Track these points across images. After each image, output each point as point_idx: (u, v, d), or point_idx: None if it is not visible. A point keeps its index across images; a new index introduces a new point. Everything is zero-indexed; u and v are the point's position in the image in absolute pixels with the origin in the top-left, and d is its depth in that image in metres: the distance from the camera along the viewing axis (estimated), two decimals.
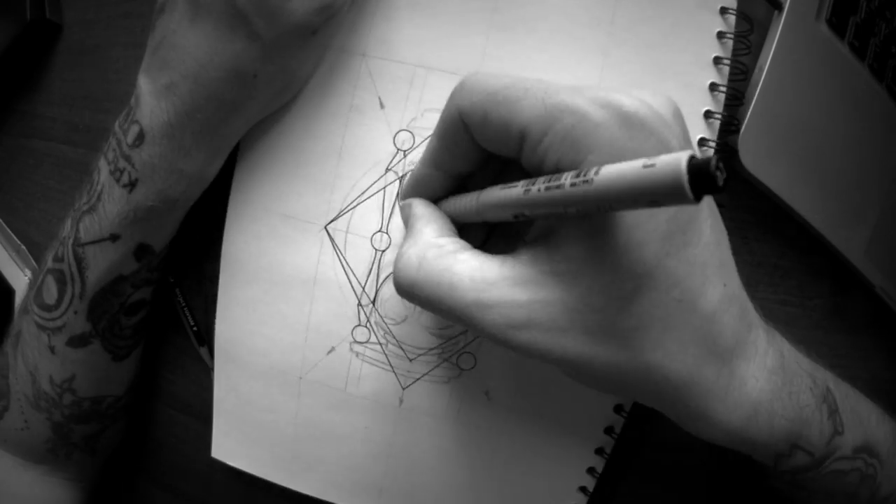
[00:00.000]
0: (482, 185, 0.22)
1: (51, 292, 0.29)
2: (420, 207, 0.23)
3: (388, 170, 0.29)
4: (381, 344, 0.30)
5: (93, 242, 0.27)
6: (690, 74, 0.28)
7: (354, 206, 0.30)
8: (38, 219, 0.37)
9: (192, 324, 0.33)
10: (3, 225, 0.38)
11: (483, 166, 0.23)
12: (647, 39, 0.28)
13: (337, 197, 0.30)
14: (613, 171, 0.15)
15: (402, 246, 0.22)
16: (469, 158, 0.22)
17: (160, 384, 0.36)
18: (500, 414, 0.30)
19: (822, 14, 0.30)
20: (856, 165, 0.33)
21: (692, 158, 0.13)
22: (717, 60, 0.28)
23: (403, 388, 0.31)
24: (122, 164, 0.26)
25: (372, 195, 0.29)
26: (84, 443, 0.32)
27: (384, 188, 0.29)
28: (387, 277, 0.30)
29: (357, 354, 0.31)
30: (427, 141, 0.25)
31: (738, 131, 0.28)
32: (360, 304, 0.30)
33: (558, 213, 0.17)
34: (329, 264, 0.30)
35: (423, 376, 0.30)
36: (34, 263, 0.37)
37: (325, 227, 0.30)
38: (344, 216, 0.30)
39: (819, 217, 0.31)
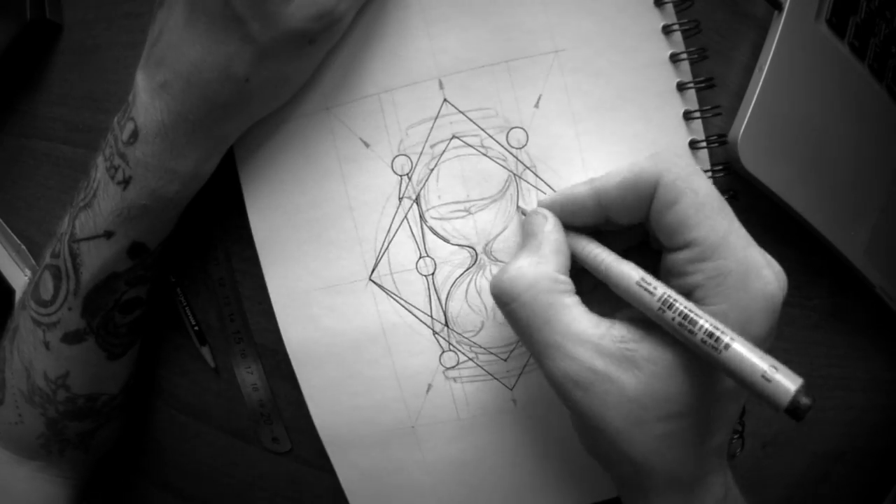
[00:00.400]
0: (616, 247, 0.24)
1: (47, 288, 0.29)
2: (555, 232, 0.24)
3: (400, 199, 0.29)
4: (471, 359, 0.30)
5: (87, 239, 0.27)
6: (652, 77, 0.28)
7: (387, 248, 0.30)
8: (38, 219, 0.37)
9: (194, 323, 0.33)
10: (3, 225, 0.38)
11: (628, 234, 0.25)
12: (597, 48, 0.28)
13: (367, 247, 0.30)
14: (737, 358, 0.19)
15: (519, 255, 0.24)
16: (632, 216, 0.23)
17: (160, 384, 0.36)
18: None
19: (822, 14, 0.30)
20: (856, 165, 0.33)
21: (798, 393, 0.18)
22: (673, 57, 0.28)
23: (511, 389, 0.30)
24: (117, 161, 0.26)
25: (398, 229, 0.30)
26: (78, 440, 0.32)
27: (405, 217, 0.29)
28: (448, 294, 0.30)
29: (454, 380, 0.30)
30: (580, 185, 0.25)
31: (720, 114, 0.28)
32: (435, 333, 0.30)
33: (672, 333, 0.21)
34: (390, 311, 0.30)
35: (524, 369, 0.30)
36: (34, 263, 0.37)
37: (371, 280, 0.30)
38: (382, 261, 0.30)
39: (819, 217, 0.31)
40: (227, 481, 0.36)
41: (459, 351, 0.30)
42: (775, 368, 0.18)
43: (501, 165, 0.29)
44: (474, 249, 0.30)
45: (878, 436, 0.39)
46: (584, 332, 0.21)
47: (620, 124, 0.28)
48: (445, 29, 0.28)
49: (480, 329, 0.30)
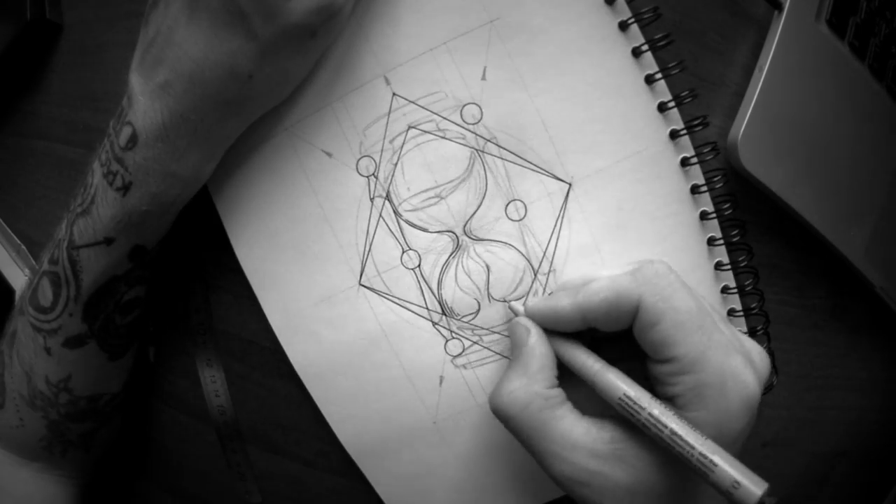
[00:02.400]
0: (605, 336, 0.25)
1: (46, 294, 0.28)
2: (539, 345, 0.26)
3: (372, 199, 0.29)
4: (475, 342, 0.30)
5: (87, 246, 0.27)
6: (594, 24, 0.28)
7: (370, 250, 0.30)
8: (38, 219, 0.37)
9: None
10: (3, 225, 0.38)
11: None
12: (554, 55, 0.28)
13: (351, 253, 0.30)
14: (711, 471, 0.21)
15: (510, 375, 0.25)
16: (616, 328, 0.24)
17: (160, 384, 0.36)
18: None
19: (822, 14, 0.30)
20: (856, 165, 0.33)
21: (763, 497, 0.21)
22: (635, 52, 0.28)
23: None
24: (114, 166, 0.26)
25: (375, 229, 0.30)
26: (79, 440, 0.32)
27: (380, 216, 0.30)
28: (439, 282, 0.30)
29: (465, 367, 0.30)
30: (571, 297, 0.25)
31: (695, 96, 0.28)
32: (435, 324, 0.30)
33: (656, 441, 0.23)
34: (386, 311, 0.30)
35: None
36: (34, 263, 0.37)
37: (361, 284, 0.30)
38: (367, 264, 0.30)
39: (819, 217, 0.31)
40: (226, 481, 0.36)
41: (463, 337, 0.30)
42: (742, 474, 0.21)
43: (462, 144, 0.29)
44: (454, 232, 0.30)
45: (878, 436, 0.39)
46: (577, 440, 0.24)
47: (572, 77, 0.28)
48: (380, 26, 0.28)
49: (478, 310, 0.30)
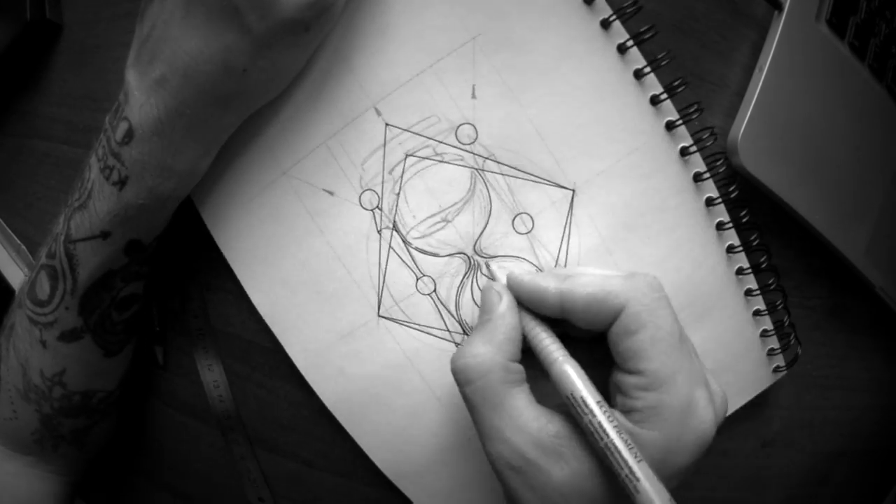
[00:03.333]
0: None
1: (43, 288, 0.29)
2: (508, 314, 0.25)
3: (379, 231, 0.30)
4: None
5: (84, 240, 0.27)
6: (574, 24, 0.28)
7: (384, 281, 0.30)
8: (38, 219, 0.37)
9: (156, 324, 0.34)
10: (3, 225, 0.38)
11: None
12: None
13: (366, 287, 0.30)
14: (644, 494, 0.21)
15: (475, 338, 0.25)
16: (592, 325, 0.24)
17: (159, 383, 0.36)
18: None
19: (822, 14, 0.30)
20: (856, 165, 0.33)
21: None
22: (620, 48, 0.28)
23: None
24: (111, 161, 0.26)
25: (387, 261, 0.30)
26: (72, 436, 0.32)
27: (390, 247, 0.30)
28: (457, 303, 0.30)
29: None
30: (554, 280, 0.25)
31: (686, 84, 0.28)
32: (457, 345, 0.30)
33: (592, 445, 0.23)
34: (408, 338, 0.30)
35: None
36: (33, 261, 0.37)
37: (380, 316, 0.30)
38: (384, 295, 0.30)
39: (819, 217, 0.31)
40: (227, 481, 0.36)
41: None
42: None
43: (461, 165, 0.29)
44: (465, 253, 0.30)
45: (878, 436, 0.39)
46: (525, 423, 0.23)
47: (561, 82, 0.28)
48: (364, 57, 0.28)
49: None
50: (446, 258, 0.30)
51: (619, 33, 0.28)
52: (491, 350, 0.24)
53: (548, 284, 0.25)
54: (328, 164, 0.29)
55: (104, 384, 0.32)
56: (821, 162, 0.31)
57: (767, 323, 0.31)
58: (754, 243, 0.30)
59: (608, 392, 0.25)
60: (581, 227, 0.29)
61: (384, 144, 0.29)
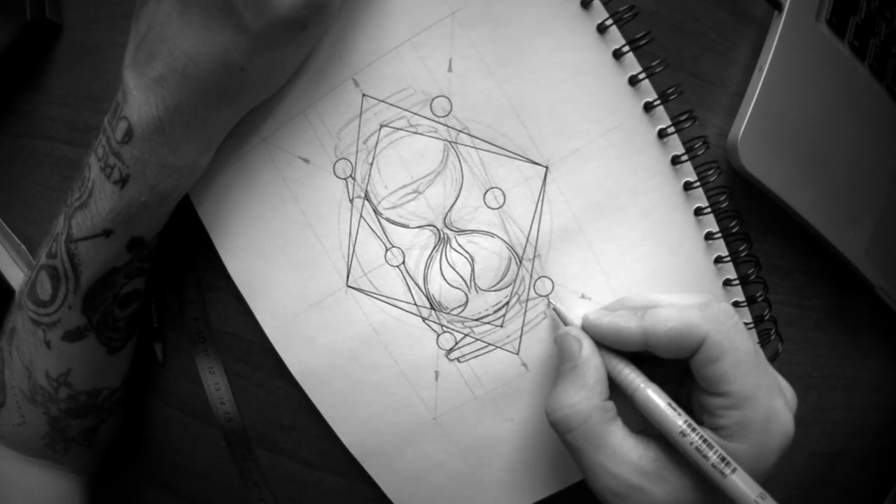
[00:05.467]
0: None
1: (45, 288, 0.29)
2: (593, 358, 0.26)
3: (351, 200, 0.30)
4: (467, 335, 0.30)
5: (86, 238, 0.27)
6: (585, 54, 0.28)
7: (354, 251, 0.30)
8: (38, 219, 0.37)
9: (155, 320, 0.34)
10: (3, 225, 0.38)
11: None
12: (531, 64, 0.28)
13: (336, 256, 0.30)
14: (735, 486, 0.23)
15: (567, 388, 0.26)
16: (675, 357, 0.25)
17: (160, 383, 0.36)
18: None
19: (822, 14, 0.30)
20: (856, 165, 0.33)
21: None
22: (600, 28, 0.28)
23: (517, 353, 0.30)
24: (112, 160, 0.26)
25: (357, 230, 0.30)
26: (81, 437, 0.33)
27: (361, 216, 0.30)
28: (425, 277, 0.30)
29: (459, 360, 0.30)
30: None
31: (667, 65, 0.27)
32: (425, 319, 0.30)
33: (686, 456, 0.25)
34: (375, 310, 0.30)
35: (523, 330, 0.30)
36: (33, 260, 0.37)
37: (348, 286, 0.30)
38: (353, 265, 0.30)
39: (819, 217, 0.31)
40: (227, 481, 0.36)
41: (454, 330, 0.30)
42: (764, 497, 0.23)
43: (434, 137, 0.29)
44: (434, 226, 0.30)
45: (878, 436, 0.39)
46: (626, 454, 0.25)
47: (539, 59, 0.28)
48: (344, 29, 0.28)
49: (466, 302, 0.30)
50: (416, 230, 0.30)
51: (600, 13, 0.28)
52: (585, 396, 0.26)
53: (628, 324, 0.26)
54: (305, 132, 0.29)
55: (109, 382, 0.32)
56: (821, 162, 0.31)
57: (746, 315, 0.31)
58: (734, 230, 0.29)
59: (690, 407, 0.26)
60: (553, 205, 0.29)
61: (360, 114, 0.29)
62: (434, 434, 0.31)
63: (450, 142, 0.29)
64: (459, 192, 0.29)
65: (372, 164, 0.29)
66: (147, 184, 0.26)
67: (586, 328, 0.27)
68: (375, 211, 0.30)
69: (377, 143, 0.29)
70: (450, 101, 0.29)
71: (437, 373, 0.30)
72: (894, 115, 0.33)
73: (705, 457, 0.24)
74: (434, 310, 0.30)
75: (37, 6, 0.33)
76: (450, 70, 0.28)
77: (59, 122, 0.35)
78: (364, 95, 0.29)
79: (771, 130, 0.29)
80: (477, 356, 0.30)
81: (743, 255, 0.30)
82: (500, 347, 0.30)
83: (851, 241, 0.33)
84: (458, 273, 0.30)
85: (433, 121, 0.29)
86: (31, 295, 0.29)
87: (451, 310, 0.30)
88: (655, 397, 0.25)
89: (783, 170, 0.30)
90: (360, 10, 0.28)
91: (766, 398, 0.24)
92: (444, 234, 0.30)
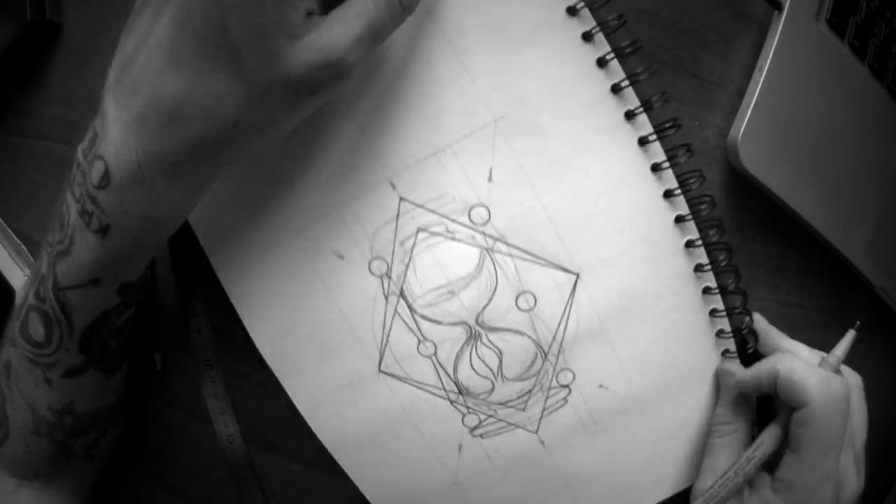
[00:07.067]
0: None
1: (37, 330, 0.27)
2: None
3: (386, 297, 0.30)
4: (491, 416, 0.31)
5: (73, 287, 0.26)
6: (598, 114, 0.28)
7: (387, 342, 0.30)
8: (38, 219, 0.37)
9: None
10: (3, 225, 0.38)
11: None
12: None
13: (369, 344, 0.30)
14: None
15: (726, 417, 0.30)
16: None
17: (160, 384, 0.36)
18: (624, 401, 0.31)
19: (822, 14, 0.30)
20: (856, 165, 0.33)
21: None
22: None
23: (536, 432, 0.31)
24: (89, 206, 0.24)
25: (391, 324, 0.30)
26: (83, 451, 0.32)
27: (395, 312, 0.30)
28: (455, 366, 0.31)
29: (482, 436, 0.32)
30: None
31: (678, 127, 0.27)
32: (452, 402, 0.31)
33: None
34: (406, 393, 0.31)
35: (543, 413, 0.31)
36: (33, 261, 0.37)
37: (381, 371, 0.31)
38: (386, 354, 0.30)
39: (819, 217, 0.31)
40: (228, 481, 0.35)
41: (479, 412, 0.31)
42: None
43: (471, 244, 0.29)
44: (467, 324, 0.30)
45: (878, 436, 0.39)
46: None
47: (578, 172, 0.28)
48: (384, 130, 0.28)
49: (493, 389, 0.31)
50: (449, 326, 0.30)
51: (644, 126, 0.28)
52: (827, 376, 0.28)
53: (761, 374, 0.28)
54: (340, 229, 0.29)
55: (109, 399, 0.32)
56: (821, 162, 0.31)
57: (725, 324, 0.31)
58: (744, 331, 0.31)
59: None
60: (581, 309, 0.30)
61: (397, 218, 0.29)
62: (453, 495, 0.33)
63: (486, 249, 0.29)
64: (493, 296, 0.30)
65: (408, 265, 0.29)
66: (130, 236, 0.24)
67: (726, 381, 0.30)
68: (410, 308, 0.30)
69: (414, 246, 0.29)
70: (488, 210, 0.29)
71: (460, 446, 0.32)
72: (894, 115, 0.33)
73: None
74: (461, 395, 0.31)
75: (37, 6, 0.33)
76: (490, 179, 0.28)
77: (59, 122, 0.35)
78: (402, 199, 0.29)
79: (771, 130, 0.29)
80: (499, 434, 0.32)
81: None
82: (521, 427, 0.31)
83: (851, 241, 0.33)
84: (486, 364, 0.31)
85: (471, 228, 0.29)
86: (24, 334, 0.28)
87: (478, 395, 0.31)
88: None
89: (783, 170, 0.30)
90: (401, 110, 0.28)
91: (824, 490, 0.27)
92: (475, 331, 0.30)
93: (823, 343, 0.35)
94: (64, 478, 0.33)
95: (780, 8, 0.29)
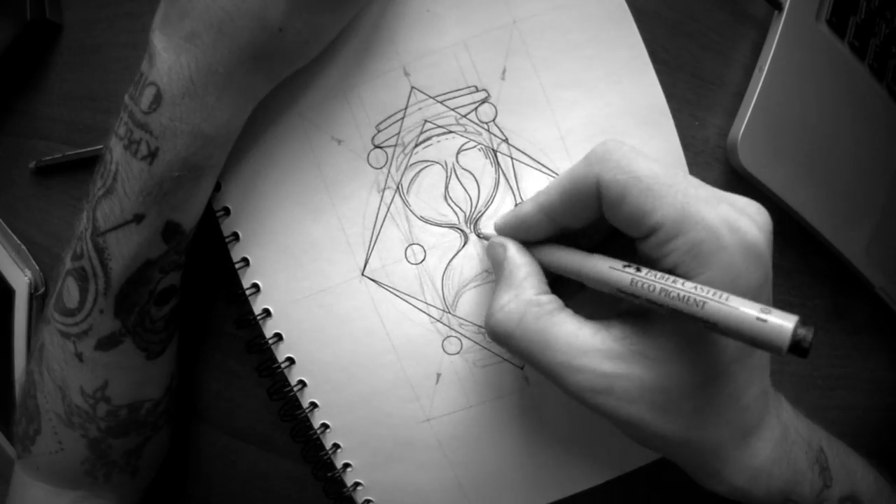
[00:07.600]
0: (587, 243, 0.24)
1: (72, 295, 0.26)
2: (518, 256, 0.24)
3: (381, 191, 0.29)
4: (476, 342, 0.30)
5: (114, 228, 0.25)
6: (621, 33, 0.28)
7: (375, 241, 0.30)
8: (38, 219, 0.37)
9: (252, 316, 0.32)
10: (3, 225, 0.38)
11: (595, 228, 0.24)
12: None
13: (356, 242, 0.30)
14: (727, 309, 0.18)
15: (498, 294, 0.24)
16: (586, 219, 0.23)
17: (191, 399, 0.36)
18: None
19: (822, 14, 0.30)
20: (856, 165, 0.33)
21: (797, 327, 0.17)
22: None
23: (522, 368, 0.30)
24: (137, 134, 0.24)
25: (383, 221, 0.30)
26: (124, 460, 0.30)
27: (388, 208, 0.29)
28: (443, 280, 0.30)
29: (462, 365, 0.30)
30: (543, 186, 0.25)
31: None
32: (434, 320, 0.30)
33: (659, 308, 0.20)
34: (386, 302, 0.30)
35: None
36: (34, 263, 0.37)
37: (364, 275, 0.30)
38: (372, 255, 0.30)
39: (819, 217, 0.31)
40: (227, 481, 0.36)
41: (462, 335, 0.30)
42: (768, 311, 0.17)
43: (474, 142, 0.29)
44: (461, 229, 0.29)
45: (879, 436, 0.39)
46: (585, 343, 0.22)
47: (594, 92, 0.28)
48: (398, 17, 0.28)
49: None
50: (442, 230, 0.30)
51: None
52: (514, 294, 0.23)
53: (526, 208, 0.24)
54: (343, 112, 0.29)
55: (150, 393, 0.30)
56: (821, 162, 0.31)
57: None
58: None
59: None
60: None
61: (405, 107, 0.29)
62: (427, 436, 0.31)
63: (489, 148, 0.29)
64: (491, 200, 0.29)
65: (409, 158, 0.29)
66: (179, 156, 0.24)
67: (499, 231, 0.26)
68: (404, 203, 0.29)
69: (418, 137, 0.29)
70: (496, 108, 0.29)
71: (438, 375, 0.30)
72: (894, 115, 0.33)
73: (670, 293, 0.19)
74: (447, 312, 0.30)
75: (37, 6, 0.33)
76: (502, 78, 0.28)
77: (59, 122, 0.35)
78: (413, 88, 0.29)
79: (771, 130, 0.30)
80: (485, 367, 0.30)
81: None
82: (506, 359, 0.30)
83: (851, 241, 0.33)
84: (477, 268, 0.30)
85: (477, 125, 0.29)
86: (58, 305, 0.27)
87: (466, 315, 0.30)
88: (596, 260, 0.22)
89: (783, 170, 0.30)
90: (420, 3, 0.28)
91: (704, 211, 0.20)
92: (469, 239, 0.30)
93: (825, 343, 0.35)
94: (103, 492, 0.31)
95: (780, 8, 0.29)
